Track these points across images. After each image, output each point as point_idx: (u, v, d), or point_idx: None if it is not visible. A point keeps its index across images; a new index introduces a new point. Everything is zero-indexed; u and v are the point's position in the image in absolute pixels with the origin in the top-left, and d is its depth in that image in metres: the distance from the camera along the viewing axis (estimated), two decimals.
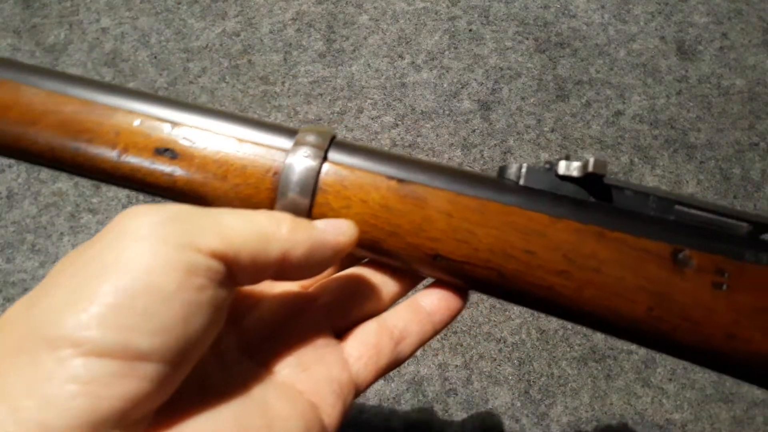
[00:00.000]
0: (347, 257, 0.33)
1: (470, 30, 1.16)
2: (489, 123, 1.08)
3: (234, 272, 0.26)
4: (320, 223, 0.30)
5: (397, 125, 1.08)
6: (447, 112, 1.09)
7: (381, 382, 0.91)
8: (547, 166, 0.34)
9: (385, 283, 0.35)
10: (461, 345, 0.93)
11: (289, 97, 1.12)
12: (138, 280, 0.23)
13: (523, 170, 0.33)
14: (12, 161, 1.08)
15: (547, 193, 0.32)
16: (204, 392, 0.27)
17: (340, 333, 0.34)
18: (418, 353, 0.93)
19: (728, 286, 0.31)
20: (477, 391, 0.91)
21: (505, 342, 0.93)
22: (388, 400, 0.91)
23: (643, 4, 1.16)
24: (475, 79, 1.12)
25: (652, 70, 1.11)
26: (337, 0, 1.19)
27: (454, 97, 1.10)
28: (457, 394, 0.91)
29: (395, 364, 0.33)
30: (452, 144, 1.07)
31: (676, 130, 1.07)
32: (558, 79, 1.11)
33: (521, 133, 1.07)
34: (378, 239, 0.32)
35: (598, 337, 0.93)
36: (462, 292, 0.36)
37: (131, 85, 1.14)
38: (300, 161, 0.31)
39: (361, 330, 0.34)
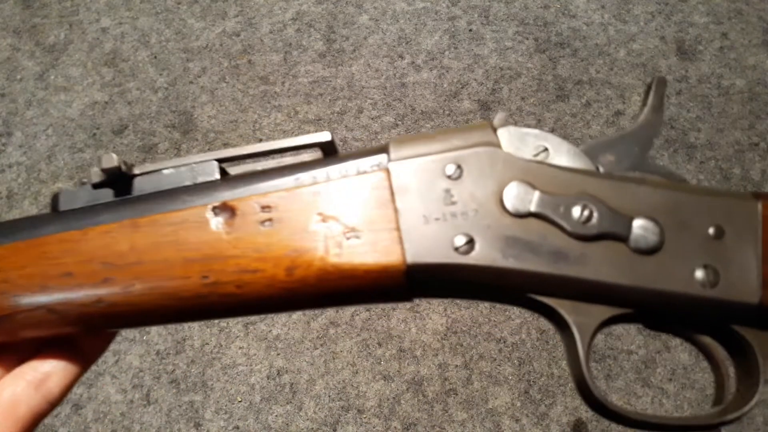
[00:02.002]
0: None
1: (470, 30, 1.16)
2: None
3: None
4: None
5: (397, 125, 1.08)
6: (447, 112, 1.09)
7: (381, 382, 0.91)
8: (84, 181, 0.32)
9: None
10: (461, 345, 0.93)
11: (289, 97, 1.12)
12: None
13: (60, 196, 0.32)
14: (12, 161, 1.08)
15: (82, 209, 0.31)
16: None
17: None
18: (418, 353, 0.93)
19: (274, 219, 0.30)
20: (477, 391, 0.91)
21: (505, 342, 0.93)
22: (388, 400, 0.91)
23: (643, 4, 1.16)
24: (475, 79, 1.12)
25: (652, 70, 1.11)
26: (337, 0, 1.19)
27: (454, 97, 1.10)
28: (457, 394, 0.91)
29: (47, 406, 0.31)
30: None
31: (676, 130, 1.07)
32: (558, 79, 1.11)
33: None
34: None
35: (598, 337, 0.93)
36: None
37: (131, 85, 1.14)
38: None
39: None
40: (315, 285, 0.29)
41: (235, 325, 0.95)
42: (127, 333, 0.96)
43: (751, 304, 0.29)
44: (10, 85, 1.14)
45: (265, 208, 0.30)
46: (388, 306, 0.95)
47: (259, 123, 1.09)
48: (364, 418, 0.90)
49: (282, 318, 0.95)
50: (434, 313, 0.95)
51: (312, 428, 0.90)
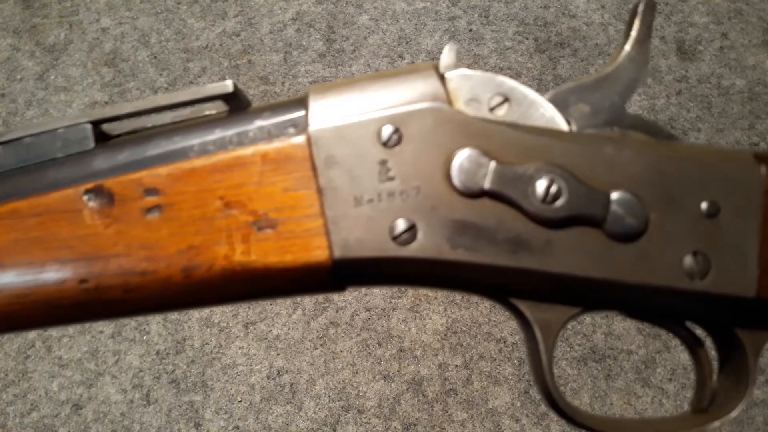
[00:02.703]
0: None
1: (470, 30, 1.16)
2: None
3: None
4: None
5: None
6: None
7: (381, 382, 0.91)
8: None
9: None
10: (461, 345, 0.93)
11: (289, 96, 1.12)
12: None
13: None
14: None
15: None
16: None
17: None
18: (418, 353, 0.93)
19: (162, 205, 0.23)
20: (477, 391, 0.91)
21: (505, 342, 0.93)
22: (388, 400, 0.91)
23: None
24: None
25: (652, 70, 1.11)
26: (337, 0, 1.19)
27: None
28: (457, 394, 0.91)
29: None
30: None
31: (676, 130, 1.07)
32: (558, 79, 1.11)
33: None
34: None
35: (598, 337, 0.93)
36: None
37: (131, 85, 1.14)
38: None
39: None
40: (221, 287, 0.24)
41: (235, 325, 0.95)
42: (126, 333, 0.96)
43: (745, 298, 0.24)
44: (10, 85, 1.14)
45: (150, 190, 0.24)
46: (388, 306, 0.95)
47: None
48: (364, 418, 0.90)
49: (282, 318, 0.95)
50: (434, 313, 0.95)
51: (312, 428, 0.90)
